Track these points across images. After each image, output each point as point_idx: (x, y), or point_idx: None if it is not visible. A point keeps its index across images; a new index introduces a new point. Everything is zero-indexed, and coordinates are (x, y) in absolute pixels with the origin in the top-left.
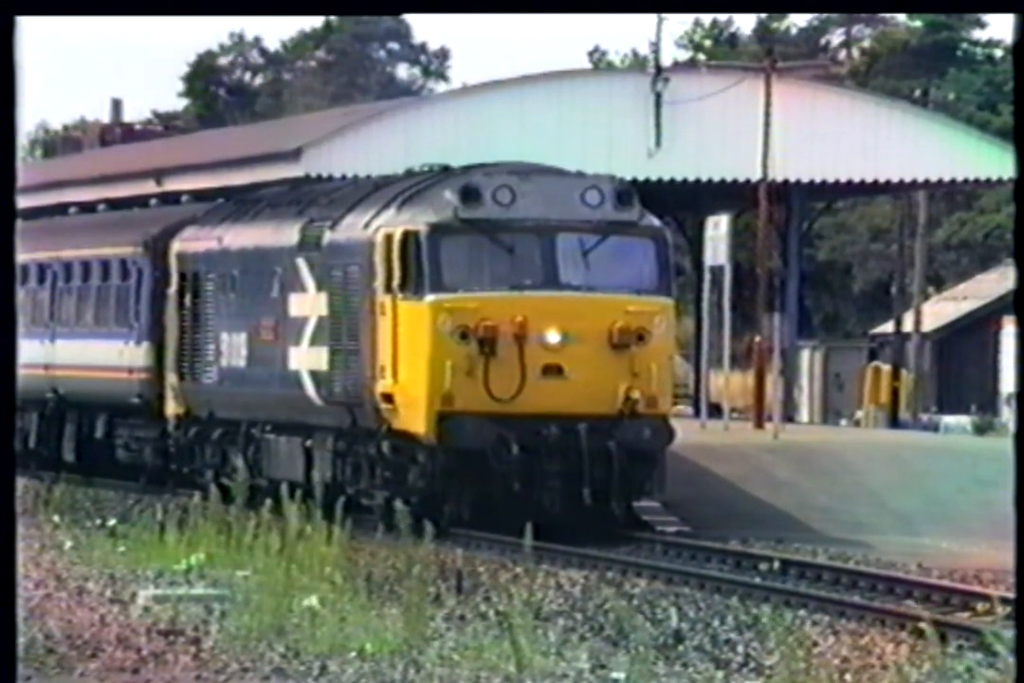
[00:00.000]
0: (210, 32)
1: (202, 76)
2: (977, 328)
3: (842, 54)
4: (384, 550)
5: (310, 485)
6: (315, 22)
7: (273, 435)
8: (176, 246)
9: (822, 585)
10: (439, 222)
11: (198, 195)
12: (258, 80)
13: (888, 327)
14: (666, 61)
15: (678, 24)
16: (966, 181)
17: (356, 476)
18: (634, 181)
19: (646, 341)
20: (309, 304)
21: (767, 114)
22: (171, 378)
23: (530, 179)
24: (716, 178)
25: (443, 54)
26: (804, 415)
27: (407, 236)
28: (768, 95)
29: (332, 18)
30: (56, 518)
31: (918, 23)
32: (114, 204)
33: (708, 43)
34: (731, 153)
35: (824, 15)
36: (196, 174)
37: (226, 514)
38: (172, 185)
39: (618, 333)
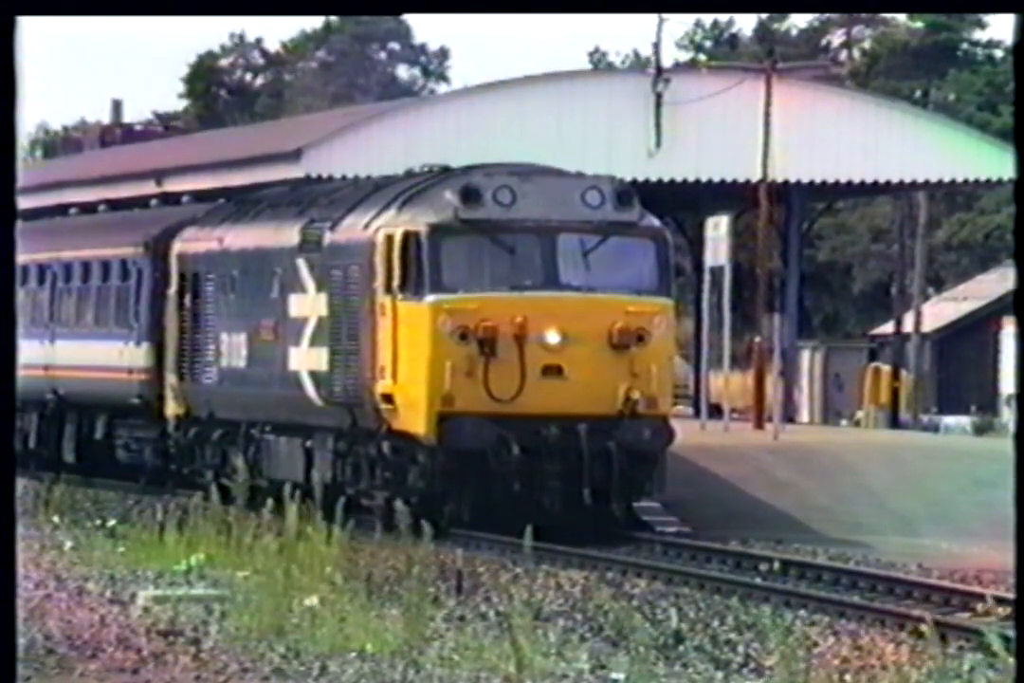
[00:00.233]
0: (210, 32)
1: (202, 77)
2: (977, 328)
3: (842, 55)
4: (384, 550)
5: (310, 485)
6: (315, 23)
7: (273, 435)
8: (176, 247)
9: (822, 585)
10: (439, 222)
11: (198, 196)
12: (258, 81)
13: (888, 327)
14: (667, 62)
15: (679, 25)
16: (966, 181)
17: (356, 476)
18: (634, 181)
19: (646, 341)
20: (309, 304)
21: (767, 114)
22: (171, 378)
23: (530, 179)
24: (716, 178)
25: (443, 54)
26: (804, 415)
27: (407, 236)
28: (768, 96)
29: (332, 19)
30: (56, 518)
31: (918, 24)
32: (114, 205)
33: (709, 44)
34: (731, 153)
35: (824, 16)
36: (196, 174)
37: (226, 514)
38: (172, 186)
39: (618, 333)
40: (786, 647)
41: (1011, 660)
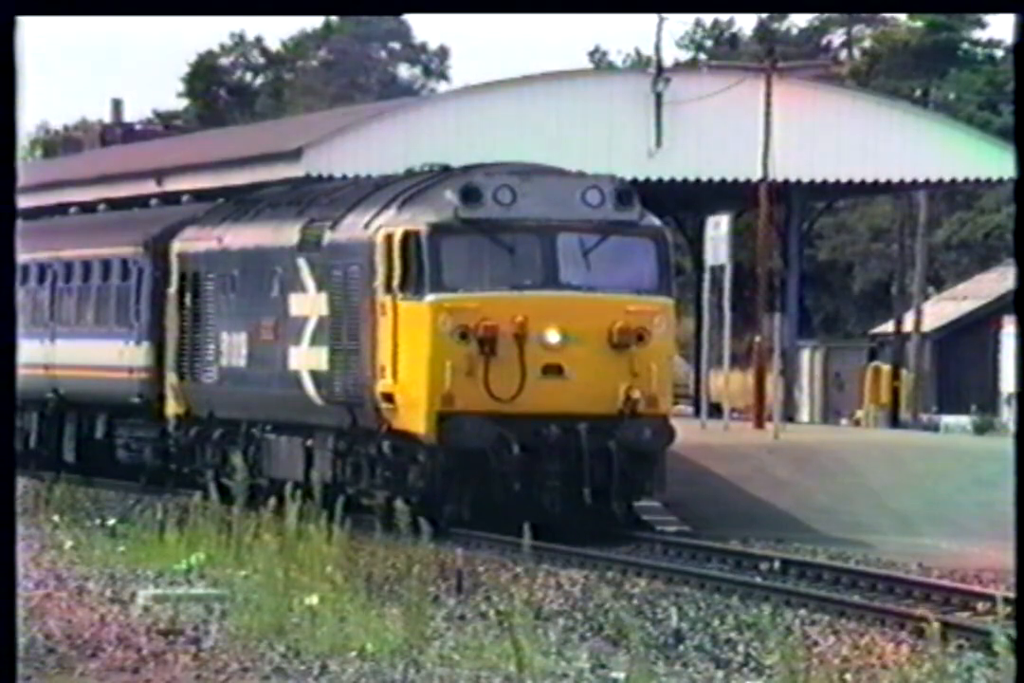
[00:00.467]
0: (210, 32)
1: (203, 76)
2: (977, 328)
3: (843, 54)
4: (384, 550)
5: (310, 485)
6: (316, 22)
7: (273, 435)
8: (176, 246)
9: (822, 585)
10: (439, 222)
11: (198, 195)
12: (259, 80)
13: (888, 327)
14: (667, 61)
15: (679, 24)
16: (966, 181)
17: (356, 476)
18: (634, 181)
19: (646, 341)
20: (309, 304)
21: (767, 114)
22: (171, 378)
23: (531, 179)
24: (716, 178)
25: (443, 54)
26: (804, 415)
27: (407, 236)
28: (768, 95)
29: (332, 18)
30: (56, 518)
31: (919, 23)
32: (114, 204)
33: (709, 43)
34: (731, 153)
35: (825, 15)
36: (196, 174)
37: (226, 514)
38: (172, 185)
39: (618, 333)
40: (786, 646)
41: (1011, 659)
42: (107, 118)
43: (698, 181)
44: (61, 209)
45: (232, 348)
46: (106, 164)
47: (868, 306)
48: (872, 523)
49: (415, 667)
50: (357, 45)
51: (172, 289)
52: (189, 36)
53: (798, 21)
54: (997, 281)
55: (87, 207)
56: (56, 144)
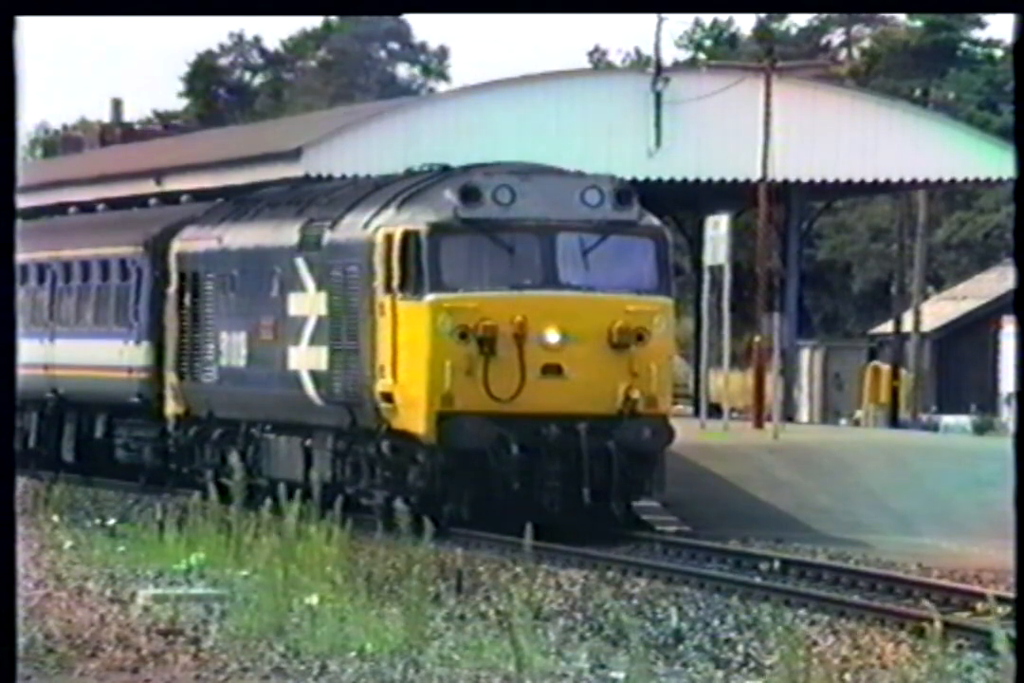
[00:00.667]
0: (210, 32)
1: (202, 76)
2: (977, 328)
3: (842, 54)
4: (384, 550)
5: (310, 485)
6: (315, 22)
7: (273, 435)
8: (176, 246)
9: (822, 585)
10: (439, 222)
11: (198, 195)
12: (258, 80)
13: (888, 327)
14: (666, 61)
15: (678, 24)
16: (966, 181)
17: (356, 476)
18: (634, 181)
19: (646, 341)
20: (309, 304)
21: (767, 114)
22: (171, 378)
23: (530, 179)
24: (716, 178)
25: (443, 54)
26: (804, 415)
27: (407, 236)
28: (768, 95)
29: (332, 18)
30: (56, 518)
31: (918, 23)
32: (114, 204)
33: (708, 43)
34: (731, 153)
35: (824, 15)
36: (196, 174)
37: (226, 514)
38: (172, 185)
39: (618, 333)
40: (786, 646)
41: (1010, 659)
42: (107, 118)
43: (697, 181)
44: (61, 209)
45: (231, 348)
46: (105, 164)
47: (867, 306)
48: (872, 523)
49: (415, 667)
50: (357, 45)
51: (171, 289)
52: (189, 36)
53: (797, 21)
54: (997, 281)
55: (87, 207)
56: (56, 144)
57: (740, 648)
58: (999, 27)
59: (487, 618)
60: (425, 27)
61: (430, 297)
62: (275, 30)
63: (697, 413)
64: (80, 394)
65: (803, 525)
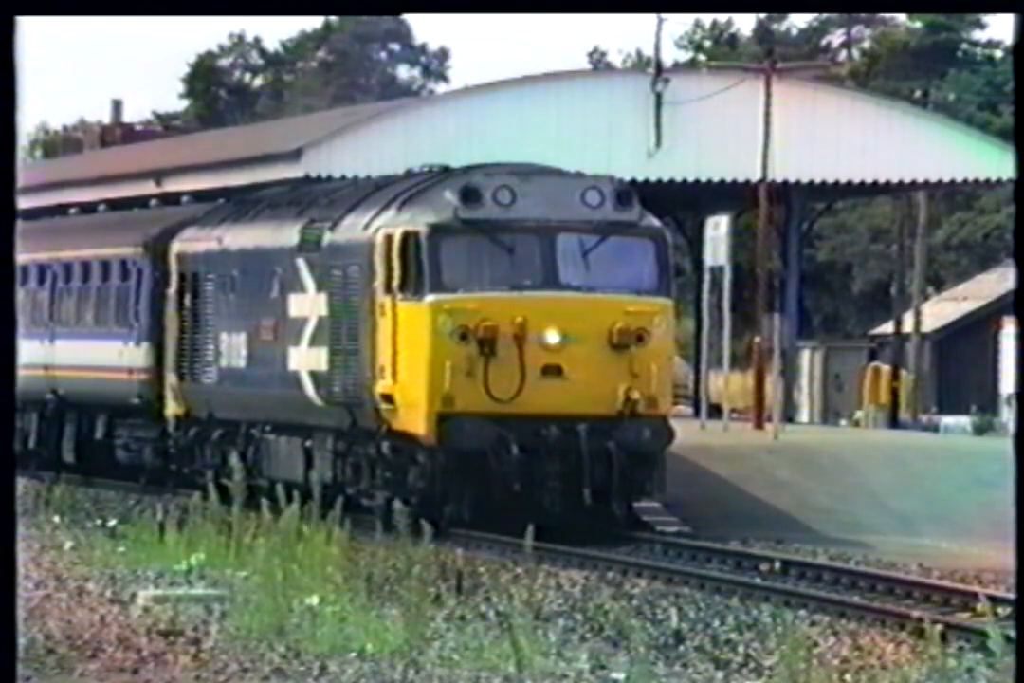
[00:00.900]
0: (210, 32)
1: (202, 77)
2: (977, 328)
3: (842, 55)
4: (384, 550)
5: (310, 485)
6: (315, 22)
7: (273, 435)
8: (176, 247)
9: (822, 585)
10: (439, 222)
11: (198, 195)
12: (258, 81)
13: (888, 327)
14: (666, 62)
15: (678, 25)
16: (966, 181)
17: (356, 476)
18: (634, 181)
19: (646, 341)
20: (309, 304)
21: (767, 114)
22: (171, 378)
23: (530, 179)
24: (716, 178)
25: (443, 54)
26: (804, 415)
27: (407, 237)
28: (768, 95)
29: (332, 18)
30: (56, 518)
31: (918, 24)
32: (114, 205)
33: (708, 44)
34: (731, 153)
35: (824, 16)
36: (196, 174)
37: (226, 514)
38: (172, 185)
39: (618, 333)
40: (786, 647)
41: (1008, 659)
42: (107, 118)
43: (697, 181)
44: (61, 210)
45: (232, 349)
46: (106, 165)
47: (868, 307)
48: (872, 523)
49: (415, 668)
50: (357, 46)
51: (172, 290)
52: (189, 36)
53: (797, 22)
54: (997, 282)
55: (87, 207)
56: (56, 144)
57: (740, 649)
58: (999, 28)
59: (487, 619)
60: (425, 28)
61: (430, 298)
62: (275, 31)
63: (697, 414)
64: (80, 395)
65: (803, 526)
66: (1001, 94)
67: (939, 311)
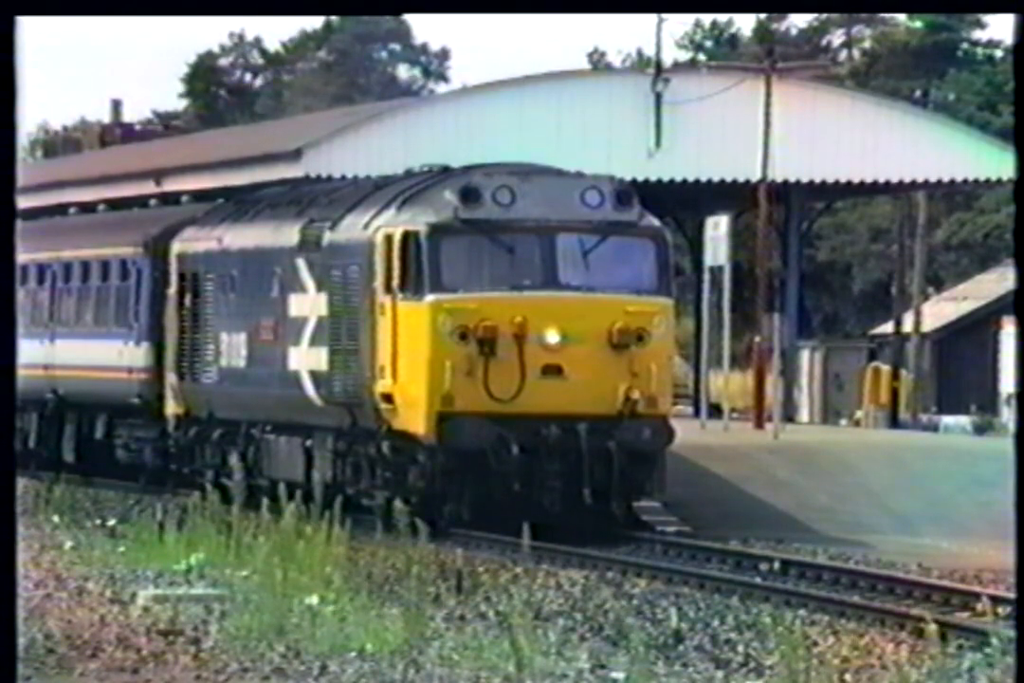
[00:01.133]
0: (210, 32)
1: (202, 77)
2: (977, 328)
3: (842, 55)
4: (384, 550)
5: (310, 485)
6: (315, 22)
7: (273, 435)
8: (176, 246)
9: (822, 585)
10: (439, 222)
11: (198, 195)
12: (258, 81)
13: (888, 327)
14: (667, 62)
15: (678, 25)
16: (966, 181)
17: (356, 476)
18: (634, 181)
19: (646, 341)
20: (309, 304)
21: (767, 114)
22: (171, 378)
23: (530, 179)
24: (716, 178)
25: (443, 55)
26: (804, 415)
27: (407, 236)
28: (768, 95)
29: (333, 18)
30: (56, 518)
31: (918, 24)
32: (114, 204)
33: (708, 44)
34: (731, 153)
35: (824, 16)
36: (196, 174)
37: (226, 514)
38: (172, 185)
39: (618, 333)
40: (786, 647)
41: (1009, 659)
42: (107, 118)
43: (697, 181)
44: (61, 209)
45: (232, 348)
46: (106, 164)
47: (867, 306)
48: (872, 523)
49: (415, 667)
50: (357, 46)
51: (172, 289)
52: (189, 36)
53: (797, 21)
54: (997, 282)
55: (87, 207)
56: (56, 144)
57: (740, 648)
58: (999, 28)
59: (487, 618)
60: (426, 28)
61: (430, 298)
62: (275, 31)
63: (697, 413)
64: (80, 395)
65: (803, 525)
66: (1001, 94)
67: (939, 311)
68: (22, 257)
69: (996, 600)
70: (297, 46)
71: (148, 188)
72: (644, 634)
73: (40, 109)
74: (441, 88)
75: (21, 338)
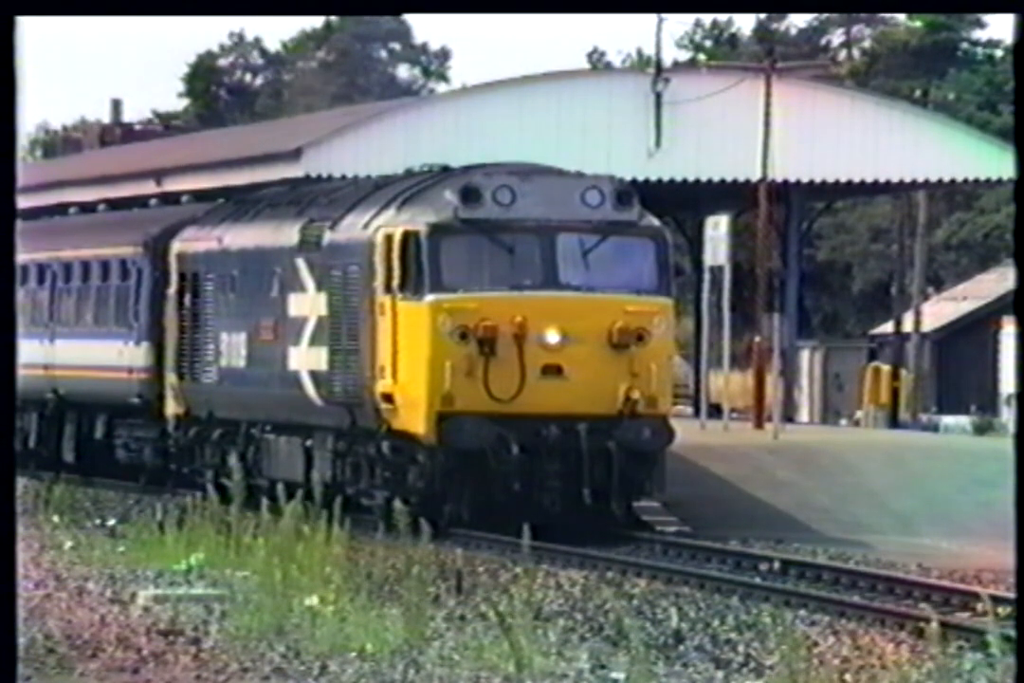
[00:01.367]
0: (210, 32)
1: (202, 76)
2: (977, 328)
3: (842, 54)
4: (384, 550)
5: (310, 485)
6: (316, 22)
7: (273, 435)
8: (176, 246)
9: (822, 585)
10: (439, 222)
11: (198, 195)
12: (258, 80)
13: (888, 327)
14: (666, 62)
15: (678, 24)
16: (966, 181)
17: (356, 476)
18: (634, 181)
19: (646, 341)
20: (309, 304)
21: (767, 114)
22: (171, 378)
23: (530, 179)
24: (716, 178)
25: (444, 54)
26: (804, 415)
27: (407, 236)
28: (768, 95)
29: (333, 18)
30: (56, 518)
31: (918, 23)
32: (114, 204)
33: (708, 43)
34: (731, 153)
35: (824, 15)
36: (196, 174)
37: (226, 514)
38: (172, 185)
39: (618, 333)
40: (786, 647)
41: (1010, 659)
42: (106, 118)
43: (697, 181)
44: (61, 209)
45: (231, 348)
46: (106, 164)
47: (867, 306)
48: (872, 523)
49: (415, 667)
50: (357, 45)
51: (172, 289)
52: (189, 36)
53: (797, 21)
54: (997, 281)
55: (87, 207)
56: (56, 144)
57: (740, 648)
58: (999, 27)
59: (487, 618)
60: (426, 28)
61: (430, 297)
62: (275, 30)
63: (697, 413)
64: (80, 394)
65: (803, 525)
66: (1001, 94)
67: (939, 311)
68: (22, 257)
69: (996, 600)
70: (297, 46)
71: (148, 188)
72: (644, 634)
73: (40, 109)
74: (441, 88)
75: (21, 338)
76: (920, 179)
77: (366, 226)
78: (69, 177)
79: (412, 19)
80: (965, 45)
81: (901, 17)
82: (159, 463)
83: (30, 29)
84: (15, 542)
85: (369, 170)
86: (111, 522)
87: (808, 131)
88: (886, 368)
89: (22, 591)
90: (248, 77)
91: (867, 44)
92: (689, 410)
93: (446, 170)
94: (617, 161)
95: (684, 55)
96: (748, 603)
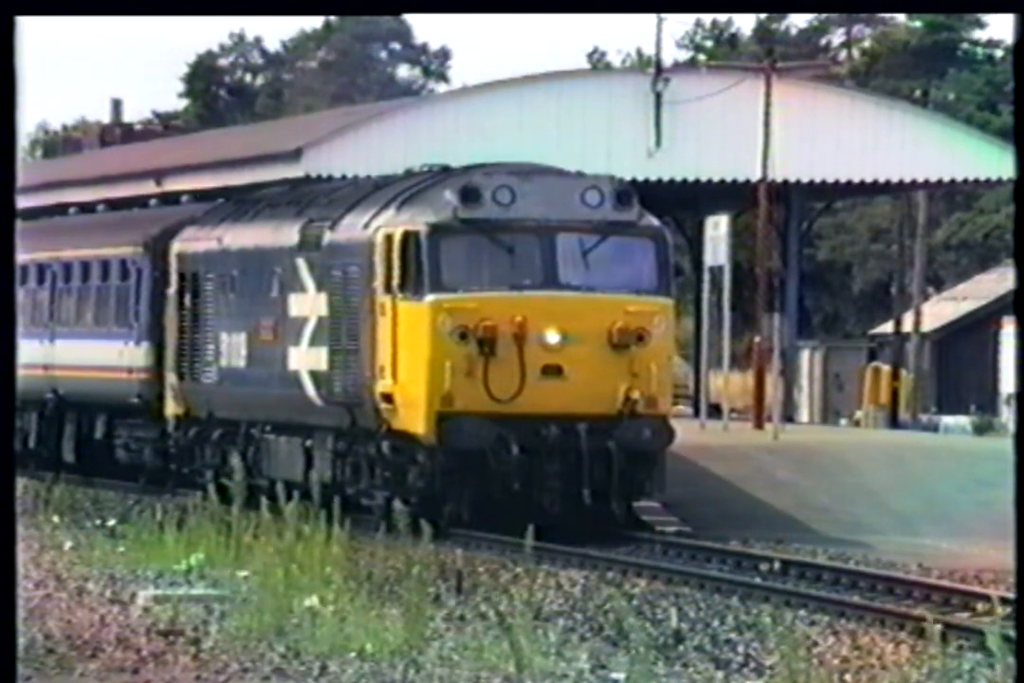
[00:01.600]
0: (210, 32)
1: (202, 76)
2: (977, 328)
3: (842, 54)
4: (384, 550)
5: (310, 485)
6: (316, 22)
7: (273, 435)
8: (176, 246)
9: (822, 585)
10: (439, 222)
11: (198, 195)
12: (258, 80)
13: (888, 327)
14: (666, 61)
15: (678, 24)
16: (966, 181)
17: (356, 476)
18: (634, 181)
19: (646, 341)
20: (309, 304)
21: (767, 114)
22: (171, 378)
23: (530, 179)
24: (716, 178)
25: (444, 54)
26: (804, 415)
27: (407, 236)
28: (768, 95)
29: (333, 18)
30: (56, 518)
31: (918, 23)
32: (114, 204)
33: (708, 43)
34: (731, 153)
35: (824, 15)
36: (196, 174)
37: (226, 514)
38: (172, 185)
39: (618, 333)
40: (786, 647)
41: (1011, 660)
42: (106, 118)
43: (697, 181)
44: (61, 209)
45: (231, 348)
46: (106, 164)
47: (867, 306)
48: (872, 523)
49: (415, 667)
50: (357, 45)
51: (171, 289)
52: (189, 36)
53: (797, 21)
54: (996, 281)
55: (87, 207)
56: (56, 144)
57: (740, 649)
58: (999, 27)
59: (487, 618)
60: (426, 28)
61: (430, 297)
62: (275, 30)
63: (697, 413)
64: (80, 395)
65: (803, 525)
66: (1001, 94)
67: (939, 311)
68: (22, 257)
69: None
70: (297, 46)
71: (148, 188)
72: (644, 634)
73: (40, 109)
74: (441, 88)
75: (21, 338)
76: (920, 179)
77: (366, 226)
78: (69, 177)
79: (412, 19)
80: (965, 45)
81: (901, 17)
82: (159, 463)
83: (30, 29)
84: (15, 542)
85: (369, 170)
86: (111, 522)
87: (808, 131)
88: (886, 368)
89: (22, 591)
90: (248, 77)
91: (867, 44)
92: (689, 410)
93: (446, 170)
94: (617, 161)
95: (684, 55)
96: (748, 603)
